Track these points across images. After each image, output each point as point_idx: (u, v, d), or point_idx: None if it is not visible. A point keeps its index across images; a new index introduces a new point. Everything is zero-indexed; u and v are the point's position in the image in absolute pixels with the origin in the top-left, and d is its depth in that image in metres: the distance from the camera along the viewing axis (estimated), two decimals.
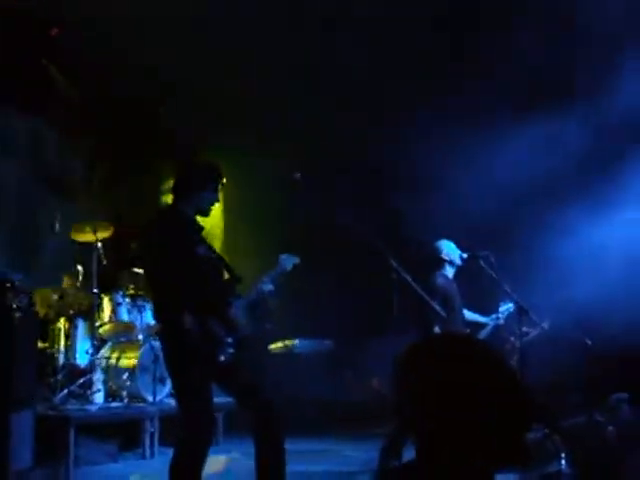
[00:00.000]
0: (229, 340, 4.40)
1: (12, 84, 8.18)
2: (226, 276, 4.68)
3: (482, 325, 6.77)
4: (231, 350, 4.40)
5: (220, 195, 4.75)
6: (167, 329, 4.48)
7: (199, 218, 4.67)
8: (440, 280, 6.52)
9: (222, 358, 4.36)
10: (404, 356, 1.89)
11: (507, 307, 6.69)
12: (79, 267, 8.14)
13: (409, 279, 4.04)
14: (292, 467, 6.58)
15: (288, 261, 4.87)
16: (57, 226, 7.93)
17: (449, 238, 6.75)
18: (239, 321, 4.49)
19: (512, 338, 8.08)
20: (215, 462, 6.98)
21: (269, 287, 4.72)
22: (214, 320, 4.38)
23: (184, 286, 4.33)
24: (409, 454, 2.06)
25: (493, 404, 1.77)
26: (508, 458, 1.80)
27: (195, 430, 4.38)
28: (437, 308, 4.57)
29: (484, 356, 1.85)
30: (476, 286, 6.94)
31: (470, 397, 1.77)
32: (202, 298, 4.37)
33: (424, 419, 1.82)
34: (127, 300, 8.08)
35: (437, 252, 6.66)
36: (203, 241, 4.64)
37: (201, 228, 4.68)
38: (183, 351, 4.35)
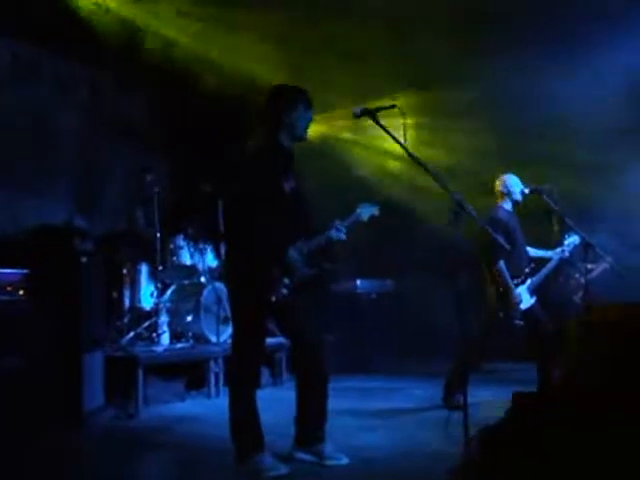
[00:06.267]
0: (285, 281, 4.42)
1: (68, 34, 8.19)
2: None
3: (547, 260, 6.67)
4: (285, 291, 4.41)
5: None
6: (229, 263, 4.59)
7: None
8: (501, 213, 6.51)
9: (273, 298, 4.38)
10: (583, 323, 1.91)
11: (572, 240, 6.56)
12: (140, 212, 8.24)
13: (474, 213, 3.95)
14: (358, 404, 6.75)
15: (366, 211, 4.77)
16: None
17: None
18: (298, 264, 4.47)
19: (577, 275, 8.02)
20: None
21: (340, 235, 4.63)
22: (273, 260, 4.40)
23: (256, 224, 4.34)
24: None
25: None
26: None
27: (242, 366, 4.50)
28: (502, 242, 4.48)
29: None
30: (541, 223, 6.84)
31: None
32: (268, 237, 4.38)
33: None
34: (189, 243, 8.16)
35: (498, 185, 6.62)
36: (293, 174, 4.56)
37: (292, 158, 4.60)
38: (239, 288, 4.46)
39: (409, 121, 4.39)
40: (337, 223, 4.65)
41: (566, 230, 6.55)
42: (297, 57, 8.34)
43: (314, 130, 8.78)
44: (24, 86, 8.31)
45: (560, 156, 8.23)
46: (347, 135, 9.97)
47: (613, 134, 7.93)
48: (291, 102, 4.50)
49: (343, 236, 4.65)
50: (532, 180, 6.70)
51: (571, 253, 6.64)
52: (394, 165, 9.66)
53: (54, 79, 8.71)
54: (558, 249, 6.62)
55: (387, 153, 9.50)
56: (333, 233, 4.63)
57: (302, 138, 4.59)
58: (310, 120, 4.59)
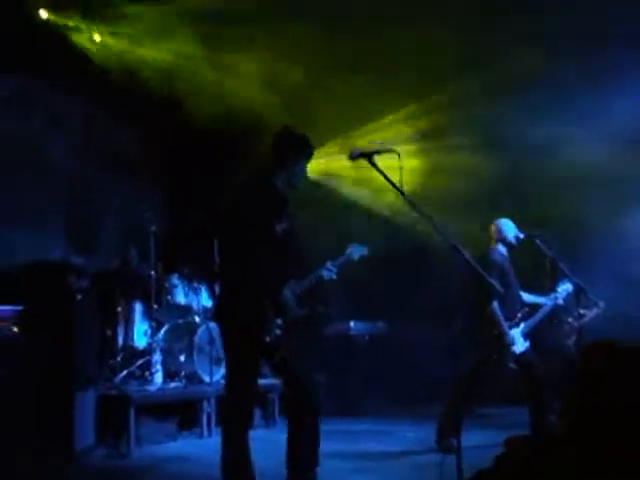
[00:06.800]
0: (278, 321, 4.43)
1: (62, 66, 8.27)
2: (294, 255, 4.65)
3: (540, 305, 6.71)
4: (278, 331, 4.42)
5: None
6: (222, 303, 4.60)
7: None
8: (496, 256, 6.56)
9: (267, 339, 4.39)
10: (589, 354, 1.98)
11: (566, 287, 6.63)
12: (135, 249, 8.27)
13: (467, 256, 3.98)
14: (349, 447, 6.71)
15: (356, 251, 4.83)
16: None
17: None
18: (291, 304, 4.49)
19: (570, 319, 8.05)
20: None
21: (331, 275, 4.67)
22: (267, 300, 4.42)
23: (249, 264, 4.37)
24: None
25: None
26: None
27: (234, 407, 4.49)
28: (495, 284, 4.52)
29: None
30: (535, 268, 6.91)
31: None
32: (262, 277, 4.40)
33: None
34: (183, 282, 8.19)
35: (493, 229, 6.69)
36: (286, 217, 4.58)
37: (287, 201, 4.64)
38: (232, 328, 4.47)
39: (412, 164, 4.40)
40: (328, 263, 4.70)
41: (559, 275, 6.60)
42: (288, 88, 8.47)
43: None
44: (21, 120, 8.36)
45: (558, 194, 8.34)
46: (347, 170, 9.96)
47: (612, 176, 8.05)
48: (297, 153, 4.60)
49: (334, 275, 4.69)
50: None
51: (565, 300, 6.69)
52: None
53: (51, 114, 8.75)
54: (552, 295, 6.67)
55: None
56: (324, 272, 4.67)
57: (295, 187, 4.67)
58: (305, 174, 4.69)
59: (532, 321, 6.54)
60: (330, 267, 4.68)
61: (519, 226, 6.71)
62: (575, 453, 1.88)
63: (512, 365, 6.37)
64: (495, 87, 8.07)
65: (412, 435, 7.35)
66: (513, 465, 1.99)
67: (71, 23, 7.97)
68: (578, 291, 6.42)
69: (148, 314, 7.82)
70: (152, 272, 7.77)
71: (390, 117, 9.42)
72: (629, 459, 1.88)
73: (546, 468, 1.89)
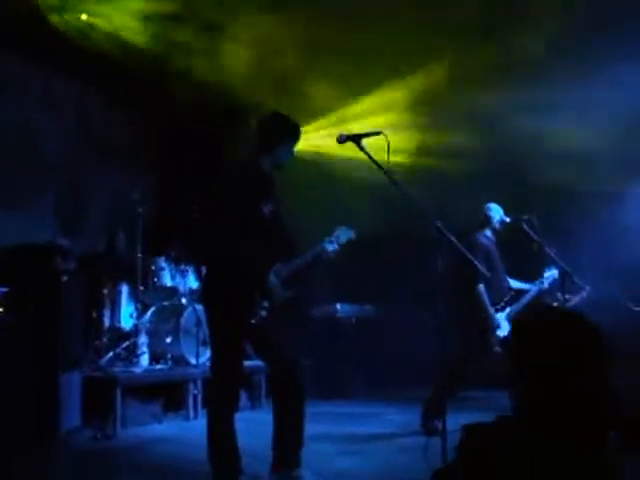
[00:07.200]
0: (264, 304, 4.44)
1: (58, 49, 8.20)
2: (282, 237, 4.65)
3: (526, 290, 6.75)
4: (264, 314, 4.43)
5: None
6: (208, 285, 4.59)
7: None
8: (482, 239, 6.58)
9: (253, 321, 4.40)
10: (525, 324, 1.99)
11: (552, 273, 6.67)
12: (122, 232, 8.24)
13: (453, 239, 3.99)
14: (335, 429, 6.73)
15: (343, 234, 4.78)
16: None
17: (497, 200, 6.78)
18: (277, 286, 4.49)
19: (555, 304, 8.08)
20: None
21: (334, 247, 4.66)
22: (252, 282, 4.42)
23: (235, 246, 4.36)
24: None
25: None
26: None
27: (220, 389, 4.49)
28: (481, 267, 4.52)
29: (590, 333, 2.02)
30: (521, 252, 6.92)
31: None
32: (248, 260, 4.39)
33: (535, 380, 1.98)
34: (170, 264, 8.17)
35: (480, 214, 6.71)
36: (273, 198, 4.59)
37: (273, 183, 4.65)
38: (217, 310, 4.46)
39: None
40: (327, 239, 4.68)
41: (546, 259, 6.62)
42: (280, 66, 8.45)
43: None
44: (10, 102, 8.29)
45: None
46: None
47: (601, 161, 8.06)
48: (283, 136, 4.60)
49: (336, 247, 4.67)
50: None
51: (550, 284, 6.72)
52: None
53: (41, 95, 8.69)
54: (537, 281, 6.71)
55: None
56: (327, 245, 4.65)
57: (281, 167, 4.67)
58: (292, 155, 4.68)
59: (518, 305, 6.58)
60: (333, 240, 4.68)
61: (507, 210, 6.73)
62: (538, 435, 1.89)
63: (497, 348, 6.40)
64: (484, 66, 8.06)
65: (397, 418, 7.38)
66: (473, 455, 1.97)
67: (57, 2, 7.88)
68: (564, 276, 6.44)
69: (134, 296, 7.80)
70: (139, 254, 7.74)
71: (377, 94, 9.37)
72: (593, 439, 1.90)
73: (508, 453, 1.90)
